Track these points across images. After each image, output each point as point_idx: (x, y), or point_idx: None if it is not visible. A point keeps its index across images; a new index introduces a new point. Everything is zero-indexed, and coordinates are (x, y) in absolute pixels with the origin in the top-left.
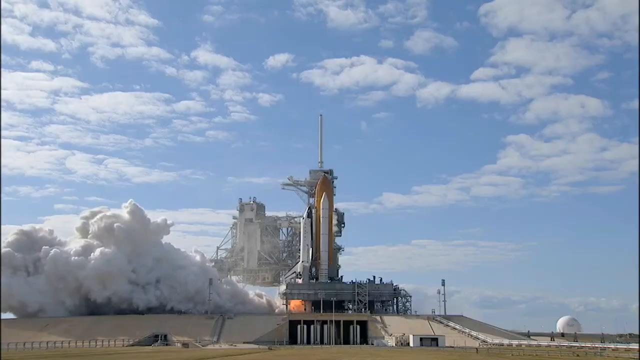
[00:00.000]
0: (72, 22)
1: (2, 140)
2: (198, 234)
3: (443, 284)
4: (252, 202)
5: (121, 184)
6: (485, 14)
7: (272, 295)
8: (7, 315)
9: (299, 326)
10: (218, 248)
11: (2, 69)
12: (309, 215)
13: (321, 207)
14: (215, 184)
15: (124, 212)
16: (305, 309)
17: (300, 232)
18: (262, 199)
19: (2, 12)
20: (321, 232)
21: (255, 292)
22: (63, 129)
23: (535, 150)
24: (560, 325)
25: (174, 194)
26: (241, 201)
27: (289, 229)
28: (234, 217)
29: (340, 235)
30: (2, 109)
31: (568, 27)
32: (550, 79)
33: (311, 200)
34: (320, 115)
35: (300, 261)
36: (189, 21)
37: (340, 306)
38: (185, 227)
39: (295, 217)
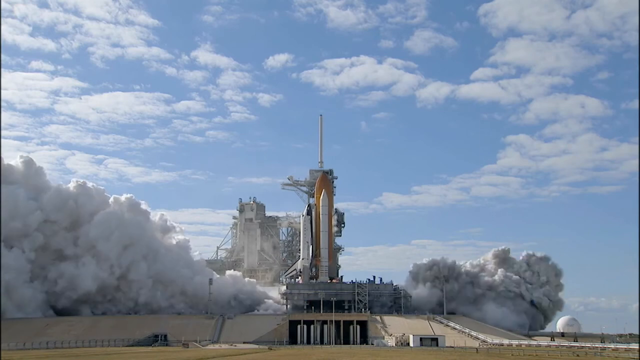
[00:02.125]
0: (72, 22)
1: (2, 140)
2: (198, 234)
3: (443, 283)
4: (252, 202)
5: (121, 184)
6: (485, 14)
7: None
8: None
9: (299, 326)
10: (218, 248)
11: (2, 69)
12: (309, 213)
13: (321, 205)
14: (215, 184)
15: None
16: (304, 309)
17: (300, 232)
18: (262, 199)
19: (2, 12)
20: (321, 230)
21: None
22: (63, 129)
23: (535, 150)
24: (560, 325)
25: (174, 194)
26: (241, 201)
27: (289, 228)
28: (234, 217)
29: (340, 235)
30: (2, 109)
31: (568, 27)
32: (550, 79)
33: (311, 200)
34: (320, 115)
35: (301, 259)
36: (189, 21)
37: (340, 306)
38: (185, 227)
39: (295, 217)
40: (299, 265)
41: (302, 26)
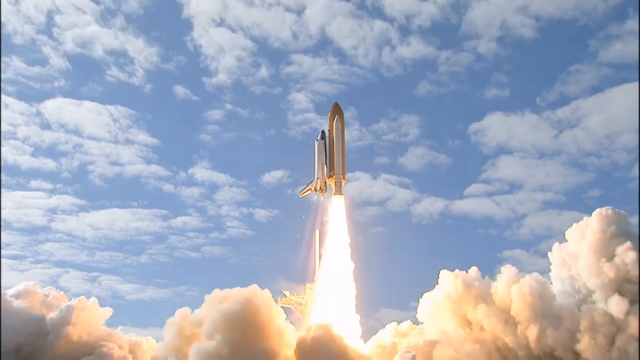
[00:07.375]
0: (72, 142)
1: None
2: None
3: None
4: None
5: (114, 301)
6: (475, 132)
7: None
8: None
9: None
10: None
11: (2, 189)
12: (322, 137)
13: (334, 128)
14: None
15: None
16: None
17: None
18: None
19: (4, 135)
20: (335, 151)
21: None
22: (58, 246)
23: (532, 265)
24: None
25: (168, 312)
26: None
27: None
28: None
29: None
30: (1, 228)
31: (556, 145)
32: (543, 195)
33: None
34: (318, 230)
35: (316, 178)
36: (188, 140)
37: None
38: None
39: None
40: (314, 183)
41: (298, 143)
